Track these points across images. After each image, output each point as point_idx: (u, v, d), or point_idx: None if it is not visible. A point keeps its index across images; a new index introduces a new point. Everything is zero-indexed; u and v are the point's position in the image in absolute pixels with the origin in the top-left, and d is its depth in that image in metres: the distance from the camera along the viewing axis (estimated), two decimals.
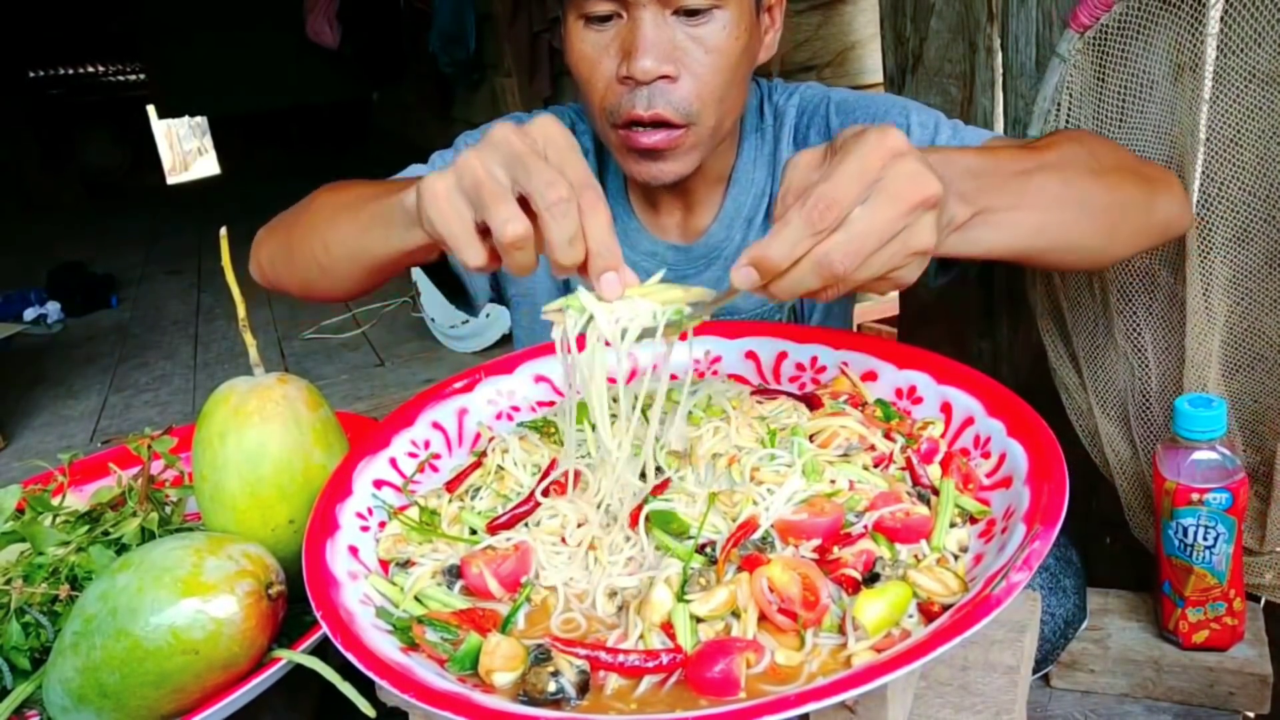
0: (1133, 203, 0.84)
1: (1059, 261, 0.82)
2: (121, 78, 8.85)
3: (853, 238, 0.56)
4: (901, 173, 0.57)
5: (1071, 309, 1.11)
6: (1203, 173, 0.95)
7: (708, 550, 0.63)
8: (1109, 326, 1.07)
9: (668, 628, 0.58)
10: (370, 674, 0.55)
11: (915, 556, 0.63)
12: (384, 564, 0.71)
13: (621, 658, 0.56)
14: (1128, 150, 0.91)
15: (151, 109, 8.55)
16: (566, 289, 1.20)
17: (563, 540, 0.68)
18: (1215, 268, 0.97)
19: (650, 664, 0.55)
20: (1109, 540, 1.19)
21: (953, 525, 0.65)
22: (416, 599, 0.66)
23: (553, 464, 0.73)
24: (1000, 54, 1.27)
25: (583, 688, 0.55)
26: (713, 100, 0.96)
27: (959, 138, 1.01)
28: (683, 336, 0.68)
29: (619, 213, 1.16)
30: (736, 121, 1.06)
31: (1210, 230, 0.96)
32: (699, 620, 0.58)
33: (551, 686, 0.55)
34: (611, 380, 0.91)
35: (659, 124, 0.94)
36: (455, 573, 0.67)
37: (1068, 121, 1.07)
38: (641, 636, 0.59)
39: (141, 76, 8.32)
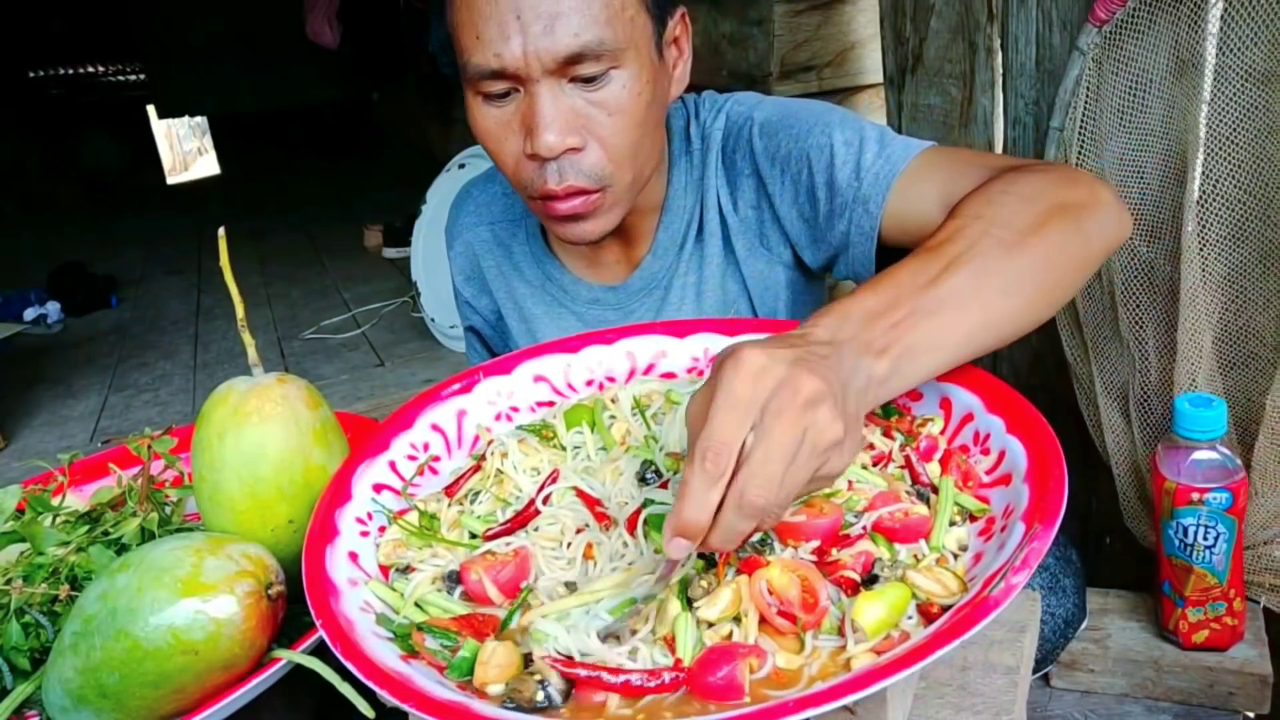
0: (1065, 246, 0.77)
1: (1005, 344, 0.75)
2: (121, 78, 8.86)
3: (758, 467, 0.54)
4: (772, 384, 0.55)
5: (1082, 299, 1.11)
6: (1201, 170, 0.95)
7: (707, 553, 0.63)
8: (1115, 319, 1.08)
9: (668, 639, 0.58)
10: (370, 683, 0.55)
11: (914, 556, 0.62)
12: (384, 569, 0.71)
13: (624, 677, 0.55)
14: (1050, 174, 0.82)
15: (151, 109, 8.55)
16: None
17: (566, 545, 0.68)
18: (1211, 264, 0.97)
19: (652, 683, 0.55)
20: (1109, 540, 1.19)
21: (952, 523, 0.65)
22: (417, 605, 0.66)
23: (555, 474, 0.73)
24: (1000, 54, 1.27)
25: (567, 695, 0.55)
26: (625, 159, 0.93)
27: (885, 154, 0.94)
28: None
29: (549, 270, 1.16)
30: (659, 162, 1.04)
31: (1206, 227, 0.97)
32: (709, 625, 0.58)
33: (539, 696, 0.55)
34: (611, 379, 0.92)
35: (573, 193, 0.92)
36: (455, 579, 0.67)
37: (1085, 114, 1.07)
38: (634, 652, 0.58)
39: (141, 76, 8.32)
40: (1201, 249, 0.97)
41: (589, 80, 0.89)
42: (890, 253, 0.96)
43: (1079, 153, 1.11)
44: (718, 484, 0.54)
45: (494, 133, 0.93)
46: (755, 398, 0.55)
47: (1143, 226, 1.02)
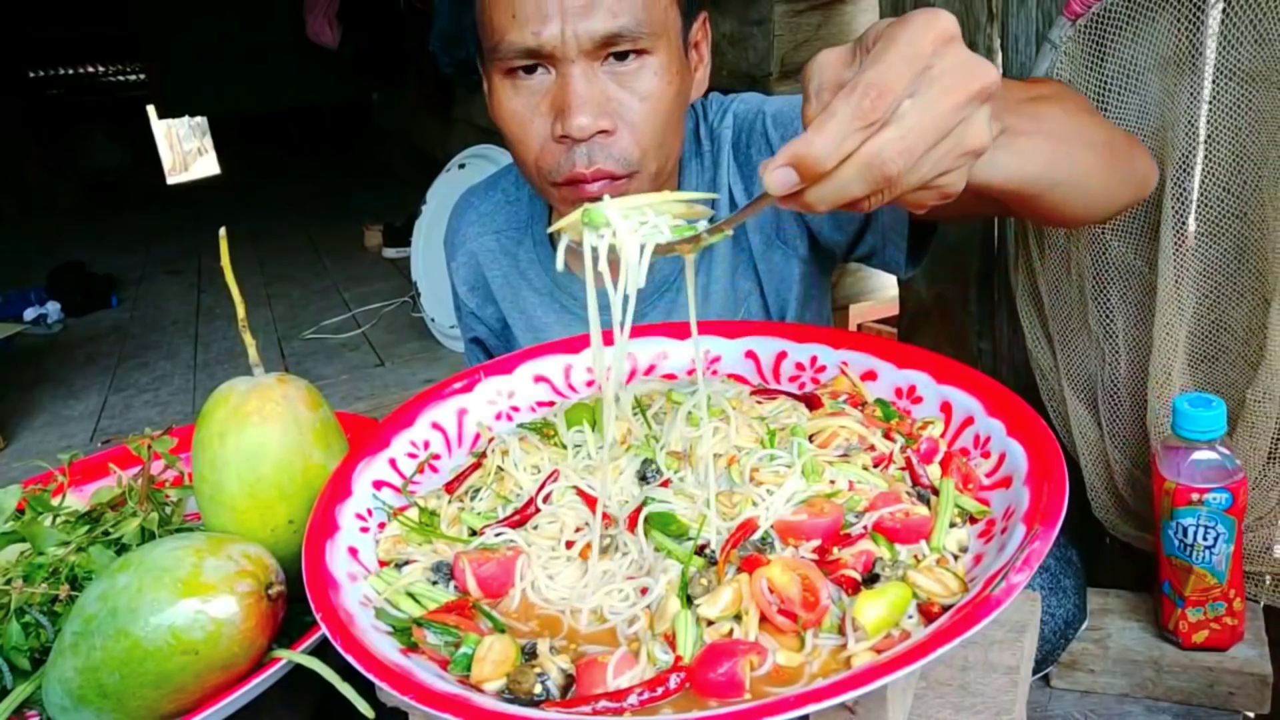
0: (1122, 147, 0.83)
1: (1061, 201, 0.75)
2: (121, 78, 8.84)
3: (906, 132, 0.49)
4: (955, 60, 0.51)
5: (1049, 292, 1.11)
6: (1180, 167, 0.96)
7: (707, 552, 0.63)
8: (1084, 312, 1.08)
9: (668, 636, 0.58)
10: (370, 675, 0.55)
11: (915, 557, 0.62)
12: (384, 565, 0.71)
13: (630, 698, 0.54)
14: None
15: (151, 109, 8.54)
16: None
17: (568, 545, 0.68)
18: (1186, 260, 0.98)
19: (659, 691, 0.54)
20: (1109, 540, 1.19)
21: (952, 525, 0.65)
22: (411, 596, 0.66)
23: (555, 473, 0.73)
24: (1000, 54, 1.27)
25: (566, 689, 0.55)
26: (653, 147, 0.94)
27: None
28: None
29: (558, 277, 1.15)
30: (678, 161, 1.05)
31: (1184, 223, 0.97)
32: (709, 623, 0.58)
33: (537, 689, 0.55)
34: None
35: (602, 176, 0.93)
36: (446, 570, 0.67)
37: None
38: (635, 652, 0.58)
39: (141, 76, 8.31)
40: (1179, 245, 0.97)
41: (622, 65, 0.90)
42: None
43: None
44: (864, 128, 0.49)
45: (520, 115, 0.93)
46: (933, 59, 0.50)
47: (1117, 221, 1.02)
